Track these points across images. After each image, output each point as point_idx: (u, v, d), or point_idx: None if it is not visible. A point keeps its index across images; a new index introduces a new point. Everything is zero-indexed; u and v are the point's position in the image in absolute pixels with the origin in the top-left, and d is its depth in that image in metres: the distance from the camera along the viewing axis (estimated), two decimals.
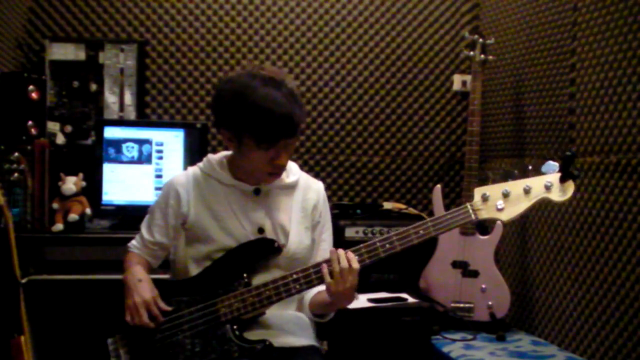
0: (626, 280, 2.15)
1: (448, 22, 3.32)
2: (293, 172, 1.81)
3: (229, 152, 1.80)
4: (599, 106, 2.31)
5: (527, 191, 1.54)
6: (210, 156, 1.81)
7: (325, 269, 1.59)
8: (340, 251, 1.60)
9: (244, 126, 1.60)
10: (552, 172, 1.56)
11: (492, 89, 3.11)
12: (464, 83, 3.31)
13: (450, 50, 3.32)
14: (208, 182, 1.76)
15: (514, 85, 2.92)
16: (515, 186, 1.56)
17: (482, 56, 2.79)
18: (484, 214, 1.56)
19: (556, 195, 1.54)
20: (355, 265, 1.57)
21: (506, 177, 1.59)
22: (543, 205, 2.50)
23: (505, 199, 1.55)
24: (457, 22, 3.32)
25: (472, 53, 2.82)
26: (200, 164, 1.80)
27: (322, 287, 1.69)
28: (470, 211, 1.57)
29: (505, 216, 1.56)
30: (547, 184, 1.54)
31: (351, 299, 1.63)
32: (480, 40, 2.81)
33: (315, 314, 1.77)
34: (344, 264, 1.57)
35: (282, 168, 1.71)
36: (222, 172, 1.75)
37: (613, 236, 2.22)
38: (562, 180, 1.53)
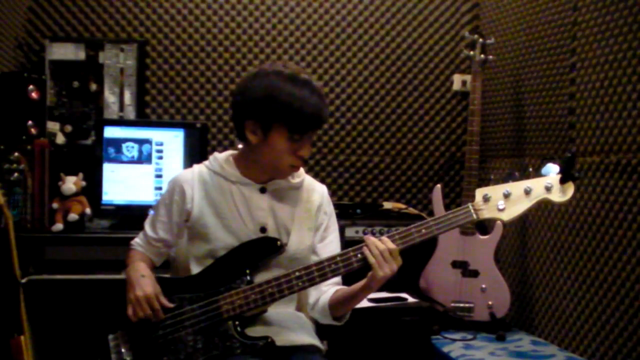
0: (626, 280, 2.15)
1: (448, 22, 3.32)
2: (298, 173, 1.82)
3: (235, 152, 1.80)
4: (599, 106, 2.31)
5: (527, 192, 1.57)
6: (217, 154, 1.81)
7: (367, 250, 1.58)
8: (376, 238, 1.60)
9: (277, 116, 1.62)
10: (551, 174, 1.58)
11: (492, 89, 3.11)
12: (464, 83, 3.31)
13: (450, 50, 3.32)
14: (214, 180, 1.77)
15: (514, 85, 2.92)
16: (516, 187, 1.58)
17: (482, 56, 2.79)
18: (485, 214, 1.59)
19: (556, 196, 1.56)
20: (392, 245, 1.57)
21: (508, 178, 1.61)
22: (543, 205, 2.50)
23: (506, 200, 1.57)
24: (457, 22, 3.32)
25: (472, 53, 2.82)
26: (207, 162, 1.81)
27: (336, 287, 1.73)
28: (472, 211, 1.59)
29: (506, 216, 1.58)
30: (548, 185, 1.56)
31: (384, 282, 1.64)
32: (480, 40, 2.81)
33: (335, 317, 1.75)
34: (381, 245, 1.57)
35: (303, 160, 1.72)
36: (229, 169, 1.76)
37: (613, 236, 2.22)
38: (562, 181, 1.55)
